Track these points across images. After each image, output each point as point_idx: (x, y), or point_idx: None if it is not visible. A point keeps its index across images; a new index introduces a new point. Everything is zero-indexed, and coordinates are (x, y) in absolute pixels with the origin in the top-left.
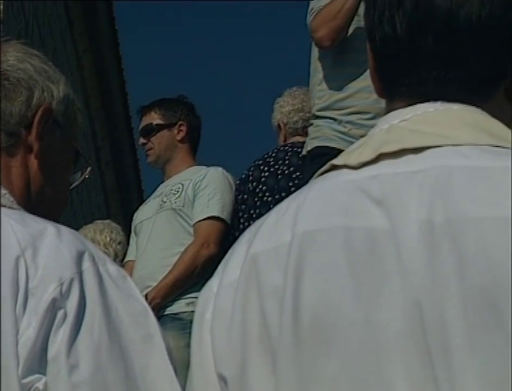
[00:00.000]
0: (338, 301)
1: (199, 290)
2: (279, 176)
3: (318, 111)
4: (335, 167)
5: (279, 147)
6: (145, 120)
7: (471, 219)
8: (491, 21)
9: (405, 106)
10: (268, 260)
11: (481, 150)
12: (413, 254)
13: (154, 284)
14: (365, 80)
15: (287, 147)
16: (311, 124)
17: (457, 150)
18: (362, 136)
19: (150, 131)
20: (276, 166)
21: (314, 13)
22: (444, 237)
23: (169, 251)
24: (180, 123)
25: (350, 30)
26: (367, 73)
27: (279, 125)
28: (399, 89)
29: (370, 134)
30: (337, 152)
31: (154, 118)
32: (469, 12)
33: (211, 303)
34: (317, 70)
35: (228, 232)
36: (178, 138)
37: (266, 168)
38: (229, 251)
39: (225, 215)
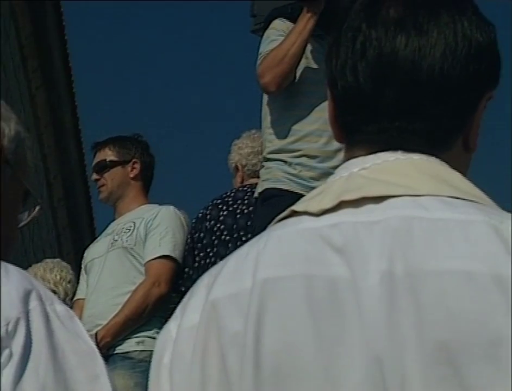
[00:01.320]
0: (299, 350)
1: (149, 329)
2: (238, 215)
3: (268, 153)
4: (295, 213)
5: (237, 188)
6: (99, 157)
7: (430, 272)
8: (453, 74)
9: (366, 154)
10: (228, 306)
11: (441, 201)
12: (373, 306)
13: (104, 322)
14: (314, 124)
15: (245, 188)
16: (263, 166)
17: (417, 200)
18: (312, 178)
19: (103, 167)
20: (235, 206)
21: (262, 58)
22: (403, 289)
23: (120, 289)
24: (134, 160)
25: (298, 73)
26: (316, 116)
27: (236, 166)
28: (360, 137)
29: (330, 182)
30: (287, 193)
31: (108, 155)
32: (431, 64)
33: (170, 347)
34: (267, 113)
35: (179, 271)
36: (131, 175)
37: (224, 207)
38: (187, 294)
39: (176, 254)
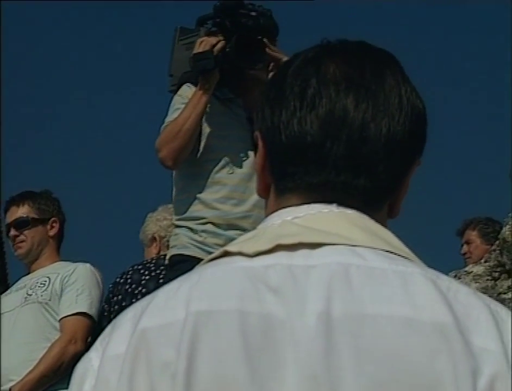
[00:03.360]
0: (232, 382)
1: (65, 387)
2: (161, 280)
3: (176, 220)
4: (227, 254)
5: (158, 256)
6: (17, 212)
7: (369, 316)
8: (397, 137)
9: (298, 204)
10: (159, 336)
11: (376, 253)
12: (310, 346)
13: (18, 378)
14: (218, 192)
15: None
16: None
17: (353, 249)
18: (217, 244)
19: (23, 223)
20: (158, 271)
21: (161, 130)
22: (341, 331)
23: (35, 345)
24: (53, 219)
25: (203, 142)
26: (221, 184)
27: (154, 237)
28: (297, 188)
29: (261, 228)
30: (193, 260)
31: (29, 211)
32: (379, 125)
33: (91, 375)
34: (176, 181)
35: (94, 330)
36: (51, 234)
37: (146, 272)
38: (108, 328)
39: (93, 312)
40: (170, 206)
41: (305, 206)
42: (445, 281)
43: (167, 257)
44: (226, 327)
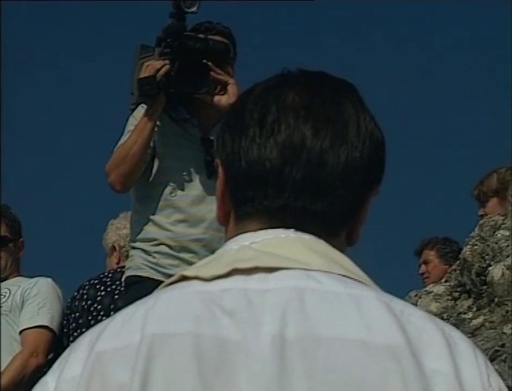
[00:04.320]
0: None
1: None
2: (116, 296)
3: (131, 241)
4: (185, 278)
5: (115, 269)
6: None
7: (322, 338)
8: (355, 165)
9: (257, 230)
10: (114, 358)
11: (332, 277)
12: (263, 367)
13: None
14: (171, 214)
15: (123, 269)
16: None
17: (309, 274)
18: (171, 264)
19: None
20: (113, 286)
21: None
22: (295, 353)
23: None
24: (21, 239)
25: (156, 164)
26: (174, 207)
27: (114, 246)
28: (256, 213)
29: (219, 253)
30: (147, 280)
31: (3, 230)
32: (338, 151)
33: None
34: (131, 201)
35: (55, 344)
36: (20, 255)
37: (102, 287)
38: (66, 351)
39: (54, 326)
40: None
41: (263, 231)
42: (399, 304)
43: (123, 278)
44: (180, 349)
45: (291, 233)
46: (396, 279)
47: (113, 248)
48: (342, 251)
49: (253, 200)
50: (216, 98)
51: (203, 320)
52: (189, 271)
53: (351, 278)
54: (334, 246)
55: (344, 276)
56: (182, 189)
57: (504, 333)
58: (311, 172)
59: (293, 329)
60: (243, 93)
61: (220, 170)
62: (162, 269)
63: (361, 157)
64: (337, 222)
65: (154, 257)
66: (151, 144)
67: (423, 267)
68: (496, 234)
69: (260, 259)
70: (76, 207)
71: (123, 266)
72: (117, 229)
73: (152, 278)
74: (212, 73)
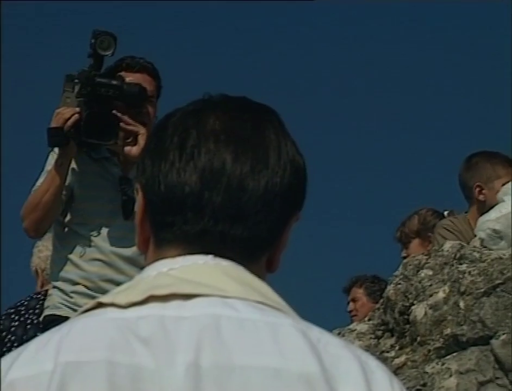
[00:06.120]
0: None
1: None
2: (28, 326)
3: (51, 280)
4: (101, 305)
5: (32, 295)
6: None
7: (237, 366)
8: (275, 190)
9: (176, 256)
10: (27, 387)
11: (249, 304)
12: None
13: None
14: (88, 254)
15: (40, 295)
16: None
17: (225, 301)
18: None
19: None
20: (26, 316)
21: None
22: (209, 381)
23: None
24: None
25: (73, 206)
26: (88, 247)
27: (36, 270)
28: (175, 239)
29: (137, 280)
30: (66, 320)
31: None
32: (259, 176)
33: None
34: (52, 239)
35: None
36: None
37: (16, 317)
38: None
39: None
40: None
41: (181, 258)
42: (316, 332)
43: (41, 318)
44: (94, 377)
45: (209, 260)
46: (324, 316)
47: (36, 272)
48: (261, 276)
49: (172, 225)
50: (127, 148)
51: (118, 348)
52: (105, 298)
53: (269, 305)
54: (253, 271)
55: (261, 303)
56: (100, 230)
57: (426, 372)
58: (231, 197)
59: (208, 358)
60: (163, 117)
61: (140, 195)
62: (79, 309)
63: (282, 182)
64: (257, 247)
65: (71, 297)
66: (69, 184)
67: (351, 305)
68: (420, 274)
69: (177, 286)
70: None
71: (40, 292)
72: (39, 252)
73: (70, 318)
74: (121, 124)
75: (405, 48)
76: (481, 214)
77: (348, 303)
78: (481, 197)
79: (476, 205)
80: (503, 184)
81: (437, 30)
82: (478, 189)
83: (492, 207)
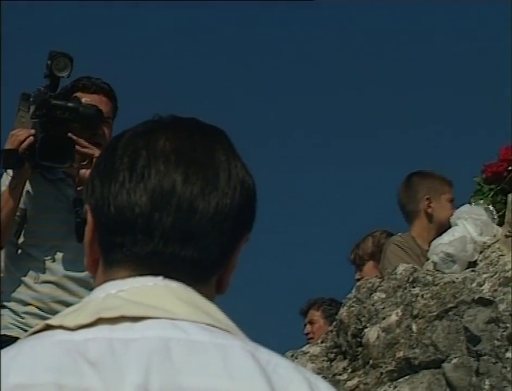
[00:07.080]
0: None
1: None
2: None
3: (2, 300)
4: (49, 327)
5: None
6: None
7: (186, 389)
8: (225, 211)
9: (125, 277)
10: None
11: (198, 326)
12: None
13: None
14: (40, 276)
15: None
16: None
17: (175, 323)
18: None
19: None
20: None
21: None
22: None
23: None
24: None
25: (26, 228)
26: (40, 268)
27: None
28: (125, 260)
29: (86, 301)
30: (15, 340)
31: None
32: (209, 197)
33: None
34: (3, 259)
35: None
36: None
37: None
38: None
39: None
40: None
41: (131, 279)
42: (265, 354)
43: None
44: None
45: (159, 281)
46: (279, 337)
47: None
48: (211, 298)
49: (122, 246)
50: (82, 171)
51: (66, 370)
52: (53, 320)
53: (218, 327)
54: (203, 293)
55: (210, 325)
56: (53, 252)
57: None
58: (181, 218)
59: (157, 380)
60: (112, 138)
61: (89, 216)
62: (31, 329)
63: (232, 204)
64: (207, 269)
65: (23, 317)
66: (22, 205)
67: (308, 327)
68: (373, 296)
69: (126, 308)
70: None
71: None
72: None
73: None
74: (77, 147)
75: (405, 48)
76: (429, 226)
77: (305, 325)
78: (429, 210)
79: (425, 218)
80: (449, 201)
81: (437, 30)
82: (427, 201)
83: (445, 231)
